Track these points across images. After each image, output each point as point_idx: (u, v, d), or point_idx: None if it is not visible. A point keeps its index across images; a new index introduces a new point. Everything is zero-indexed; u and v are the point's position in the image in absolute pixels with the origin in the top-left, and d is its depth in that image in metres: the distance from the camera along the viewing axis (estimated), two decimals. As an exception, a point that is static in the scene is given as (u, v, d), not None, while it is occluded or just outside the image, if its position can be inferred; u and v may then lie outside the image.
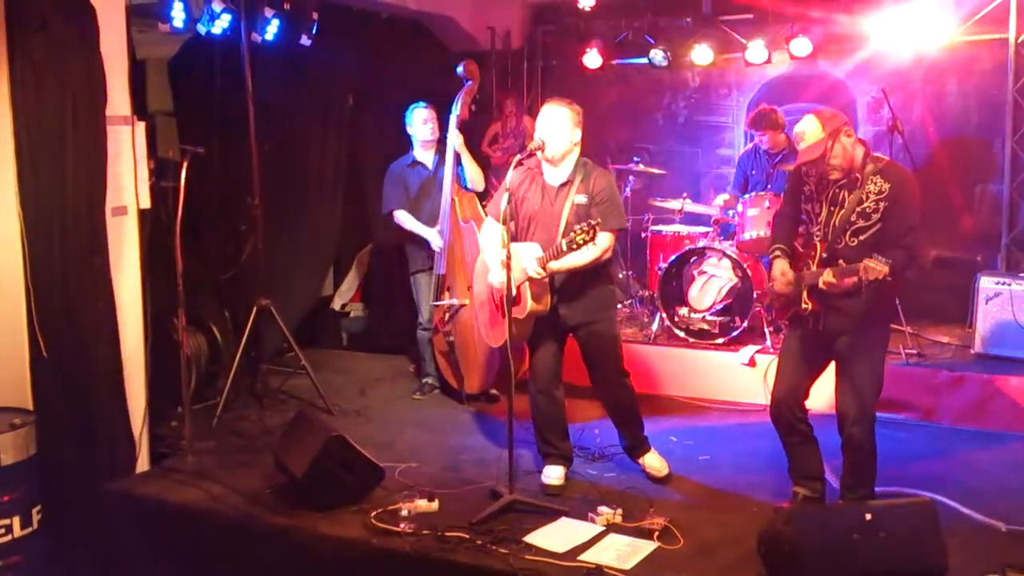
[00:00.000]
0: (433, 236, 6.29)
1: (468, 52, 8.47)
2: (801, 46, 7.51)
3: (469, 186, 6.31)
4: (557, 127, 4.70)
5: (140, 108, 5.51)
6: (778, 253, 4.49)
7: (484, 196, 6.39)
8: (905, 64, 7.60)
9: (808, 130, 4.25)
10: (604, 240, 4.65)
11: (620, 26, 8.48)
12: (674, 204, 7.33)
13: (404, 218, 6.43)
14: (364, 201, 7.77)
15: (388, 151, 6.82)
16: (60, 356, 4.81)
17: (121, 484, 5.04)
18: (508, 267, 4.47)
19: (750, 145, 7.42)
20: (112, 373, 5.05)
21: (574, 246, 4.43)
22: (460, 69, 6.33)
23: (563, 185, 4.79)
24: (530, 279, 4.64)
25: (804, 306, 4.32)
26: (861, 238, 4.21)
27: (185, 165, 5.21)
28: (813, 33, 7.54)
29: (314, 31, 6.51)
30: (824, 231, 4.32)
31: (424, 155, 6.47)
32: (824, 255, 4.28)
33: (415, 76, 7.96)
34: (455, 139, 6.18)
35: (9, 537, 4.56)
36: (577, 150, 4.80)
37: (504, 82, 8.88)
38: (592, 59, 8.37)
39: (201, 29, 5.89)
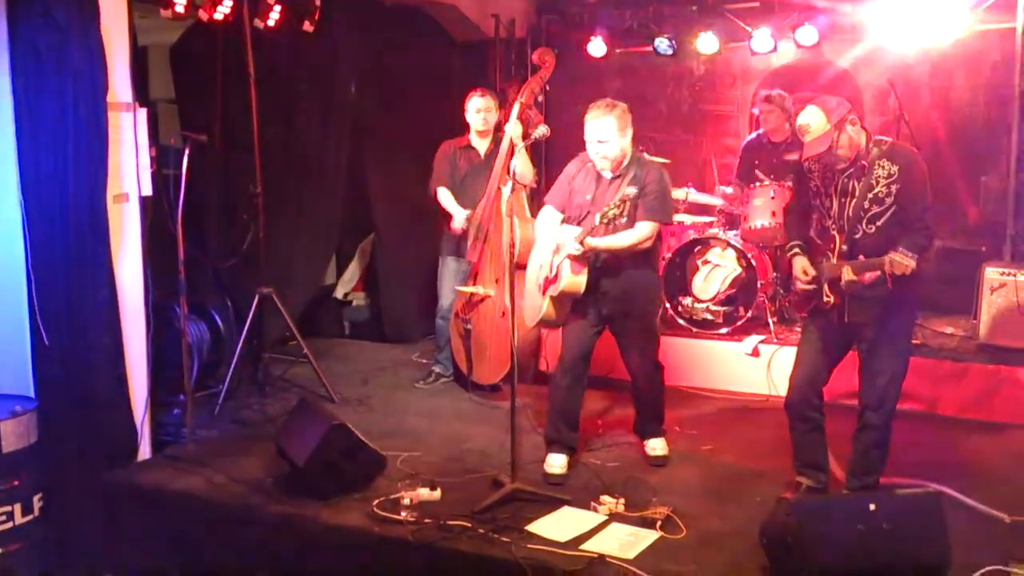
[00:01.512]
0: (459, 215, 6.22)
1: (472, 40, 8.46)
2: (807, 35, 7.46)
3: (518, 178, 6.19)
4: (608, 136, 4.73)
5: (142, 95, 5.49)
6: (797, 250, 4.46)
7: (533, 193, 6.40)
8: (912, 54, 7.54)
9: (813, 122, 4.20)
10: (644, 228, 4.74)
11: (625, 14, 8.42)
12: (678, 194, 7.29)
13: (443, 195, 6.36)
14: (367, 189, 7.75)
15: (391, 139, 6.80)
16: (61, 344, 4.81)
17: (123, 472, 5.04)
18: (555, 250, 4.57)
19: (755, 135, 7.39)
20: (114, 361, 5.04)
21: (605, 219, 4.51)
22: (535, 56, 6.28)
23: (616, 178, 4.84)
24: (569, 256, 4.68)
25: (826, 299, 4.28)
26: (878, 224, 4.19)
27: (187, 152, 5.19)
28: (819, 22, 7.48)
29: (316, 18, 6.47)
30: (839, 223, 4.28)
31: (479, 142, 6.41)
32: (844, 247, 4.25)
33: (418, 64, 7.94)
34: (513, 129, 6.08)
35: (10, 524, 4.57)
36: (630, 146, 4.85)
37: (508, 71, 8.84)
38: (596, 47, 8.33)
39: (203, 15, 5.85)
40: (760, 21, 7.71)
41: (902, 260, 3.92)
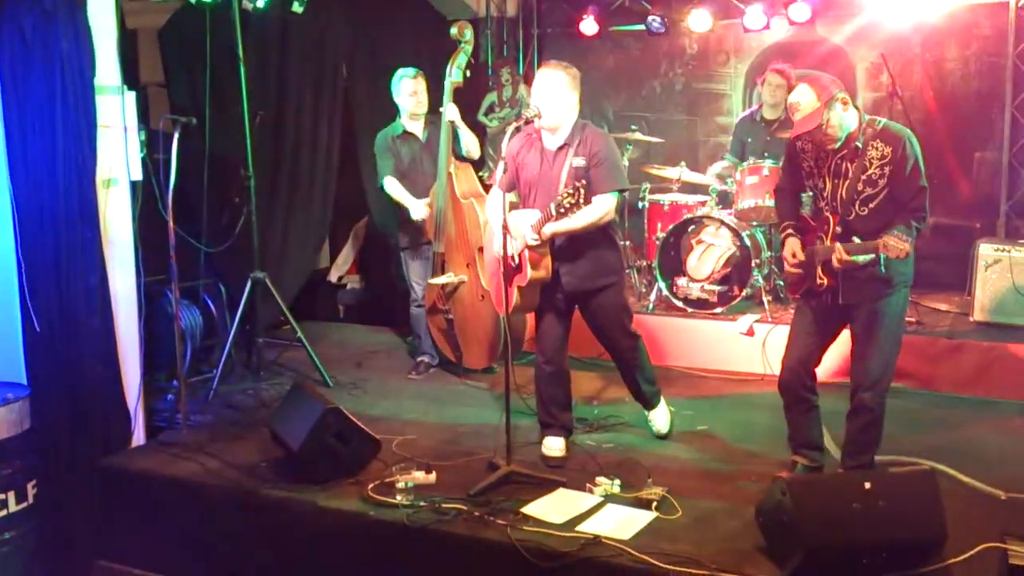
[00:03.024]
0: (415, 207, 6.06)
1: (463, 20, 8.40)
2: (800, 11, 7.44)
3: (464, 154, 6.06)
4: (554, 93, 4.60)
5: (131, 78, 5.45)
6: (790, 231, 4.44)
7: (479, 165, 6.25)
8: (904, 29, 7.54)
9: (803, 100, 4.15)
10: (602, 202, 4.60)
11: (616, -8, 8.40)
12: (672, 173, 7.27)
13: (391, 186, 6.17)
14: (359, 172, 7.71)
15: (383, 121, 6.74)
16: (53, 330, 4.79)
17: (116, 458, 5.02)
18: (506, 232, 4.42)
19: (747, 111, 7.36)
20: (106, 347, 5.03)
21: (562, 210, 4.37)
22: (453, 31, 6.02)
23: (560, 148, 4.70)
24: (528, 246, 4.61)
25: (819, 282, 4.27)
26: (871, 206, 4.16)
27: (177, 136, 5.15)
28: (812, -2, 7.46)
29: (306, -2, 6.42)
30: (833, 204, 4.25)
31: (414, 126, 6.21)
32: (838, 228, 4.22)
33: (410, 44, 7.88)
34: (451, 111, 5.92)
35: (4, 512, 4.57)
36: (575, 113, 4.72)
37: (500, 50, 8.79)
38: (588, 26, 8.29)
39: (191, -3, 5.81)
40: (752, -2, 7.67)
41: (896, 244, 3.90)
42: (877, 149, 4.13)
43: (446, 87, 5.97)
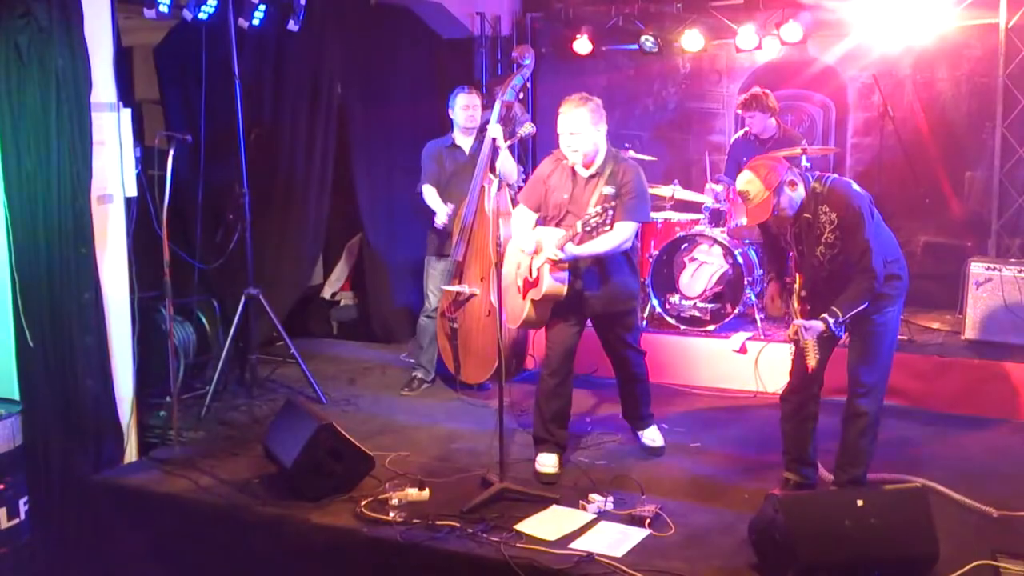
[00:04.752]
0: (440, 211, 6.19)
1: (457, 38, 8.46)
2: (792, 32, 7.51)
3: (502, 177, 6.14)
4: (581, 129, 4.71)
5: (127, 95, 5.46)
6: (771, 276, 4.70)
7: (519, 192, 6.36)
8: (896, 50, 7.60)
9: (751, 190, 4.29)
10: (624, 229, 4.73)
11: (610, 12, 8.45)
12: (665, 191, 7.30)
13: (428, 193, 6.32)
14: (353, 189, 7.72)
15: (377, 138, 6.78)
16: (46, 346, 4.78)
17: (109, 475, 5.01)
18: (535, 251, 4.59)
19: (741, 132, 7.40)
20: (99, 363, 5.02)
21: (588, 227, 4.50)
22: (515, 53, 6.27)
23: (593, 177, 4.82)
24: (550, 261, 4.67)
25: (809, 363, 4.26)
26: (834, 266, 4.31)
27: (172, 153, 5.16)
28: (803, 19, 7.52)
29: (301, 17, 6.44)
30: (799, 266, 4.44)
31: (463, 140, 6.37)
32: (803, 292, 4.41)
33: (404, 63, 7.92)
34: (495, 130, 6.03)
35: (-4, 528, 4.53)
36: (605, 142, 4.84)
37: (494, 69, 8.83)
38: (582, 45, 8.34)
39: (187, 15, 5.82)
40: (745, 18, 7.73)
41: (814, 324, 4.13)
42: (826, 214, 4.28)
43: (495, 106, 6.11)
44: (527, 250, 4.80)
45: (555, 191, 4.89)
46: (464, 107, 6.28)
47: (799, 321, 4.22)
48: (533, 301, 4.79)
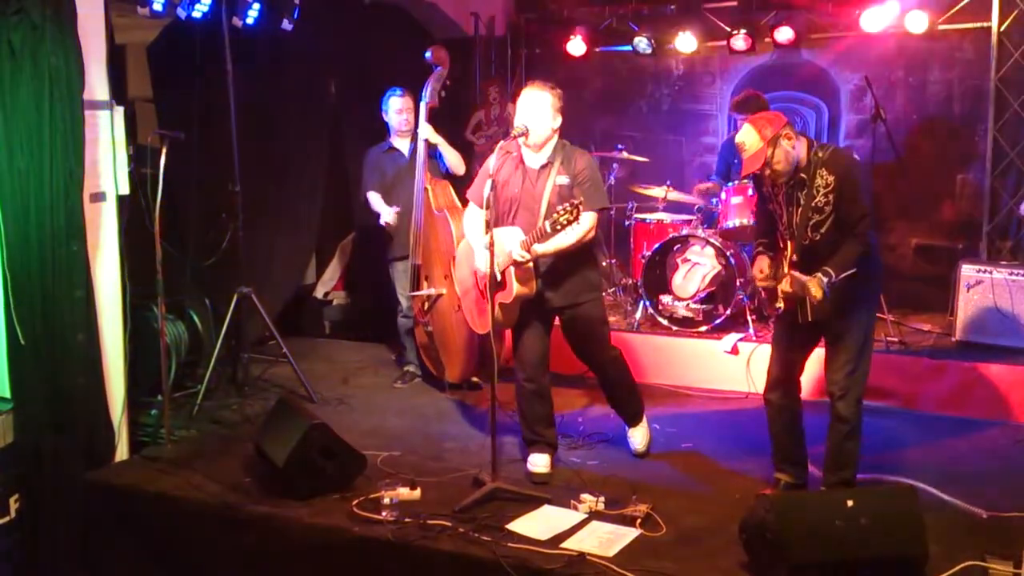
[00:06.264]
0: (385, 212, 6.26)
1: (451, 39, 8.44)
2: (784, 34, 7.53)
3: (450, 171, 6.26)
4: (539, 112, 4.67)
5: (120, 94, 5.46)
6: (760, 249, 4.55)
7: (465, 181, 6.32)
8: (888, 52, 7.63)
9: (747, 140, 4.28)
10: (587, 220, 4.65)
11: (604, 13, 8.47)
12: (657, 192, 7.32)
13: (373, 199, 6.40)
14: (346, 188, 7.72)
15: (370, 138, 6.77)
16: (37, 344, 4.76)
17: (100, 473, 5.00)
18: (492, 252, 4.45)
19: (733, 133, 7.41)
20: (91, 361, 5.01)
21: (558, 227, 4.41)
22: (428, 55, 6.26)
23: (544, 167, 4.76)
24: (515, 263, 4.62)
25: (777, 306, 4.38)
26: (822, 231, 4.27)
27: (164, 151, 5.16)
28: (796, 21, 7.54)
29: (295, 16, 6.45)
30: (789, 230, 4.37)
31: (400, 143, 6.41)
32: (794, 256, 4.33)
33: (398, 62, 7.91)
34: (425, 130, 6.12)
35: (-13, 527, 4.52)
36: (557, 133, 4.77)
37: (488, 69, 8.84)
38: (576, 46, 8.35)
39: (181, 13, 5.81)
40: (738, 21, 7.74)
41: (813, 288, 4.09)
42: (823, 178, 4.25)
43: (421, 108, 6.18)
44: (483, 249, 4.59)
45: (505, 186, 4.81)
46: (399, 110, 6.32)
47: (795, 273, 4.20)
48: (502, 304, 4.69)
